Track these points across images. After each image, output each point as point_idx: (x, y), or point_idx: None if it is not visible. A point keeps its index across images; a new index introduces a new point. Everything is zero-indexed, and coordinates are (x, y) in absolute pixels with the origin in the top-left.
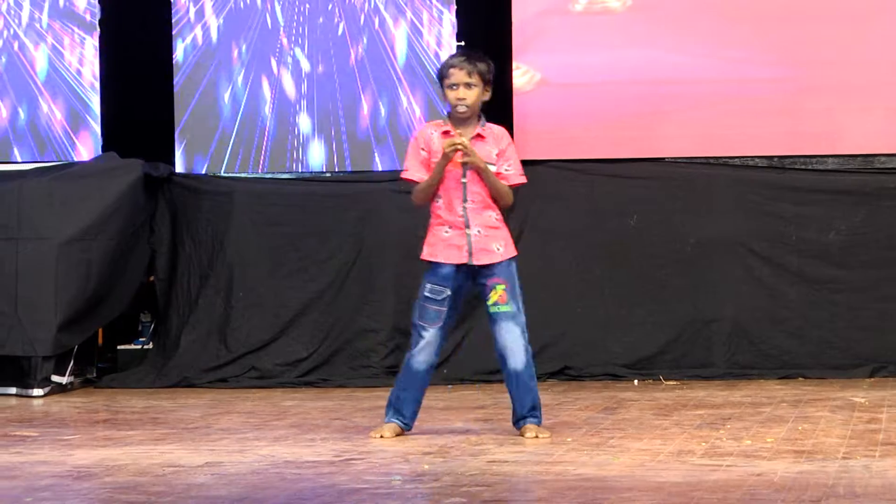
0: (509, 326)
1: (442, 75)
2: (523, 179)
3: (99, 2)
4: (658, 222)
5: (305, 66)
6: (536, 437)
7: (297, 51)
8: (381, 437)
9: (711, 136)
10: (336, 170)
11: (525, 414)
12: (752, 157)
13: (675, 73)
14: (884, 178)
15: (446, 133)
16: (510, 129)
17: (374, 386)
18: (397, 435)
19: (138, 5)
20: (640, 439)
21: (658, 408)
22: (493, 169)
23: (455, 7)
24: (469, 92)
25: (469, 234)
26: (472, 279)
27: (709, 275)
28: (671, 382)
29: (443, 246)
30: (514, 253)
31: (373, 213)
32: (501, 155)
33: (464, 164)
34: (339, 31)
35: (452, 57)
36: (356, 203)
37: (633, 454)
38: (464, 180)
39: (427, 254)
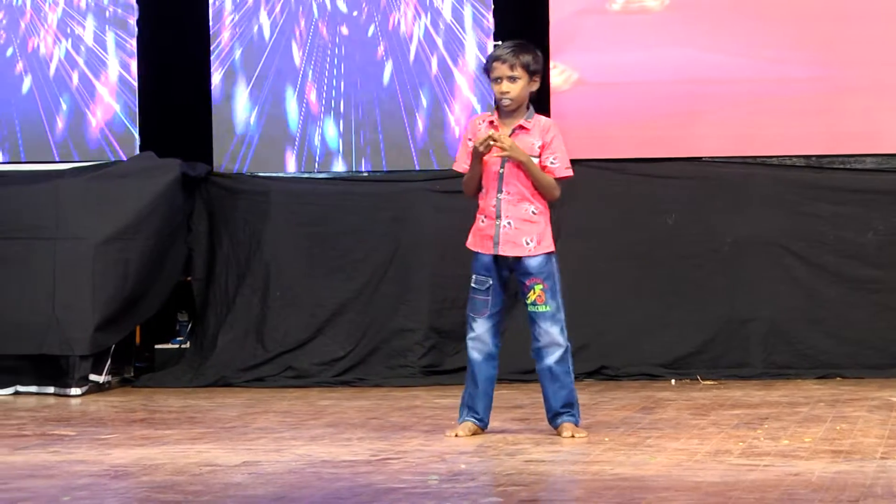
0: (547, 326)
1: (486, 69)
2: (569, 173)
3: (136, 1)
4: (695, 222)
5: (341, 67)
6: (573, 436)
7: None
8: (456, 435)
9: (748, 135)
10: (371, 169)
11: (559, 410)
12: (790, 157)
13: (711, 73)
14: None
15: (492, 124)
16: None
17: (410, 385)
18: (473, 433)
19: (176, 3)
20: (678, 439)
21: (695, 407)
22: (534, 161)
23: (493, 6)
24: (512, 85)
25: (498, 224)
26: (510, 272)
27: (745, 274)
28: (708, 382)
29: (479, 236)
30: (549, 249)
31: (409, 212)
32: (546, 147)
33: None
34: (370, 33)
35: (496, 49)
36: (392, 203)
37: (670, 454)
38: (501, 171)
39: (468, 242)
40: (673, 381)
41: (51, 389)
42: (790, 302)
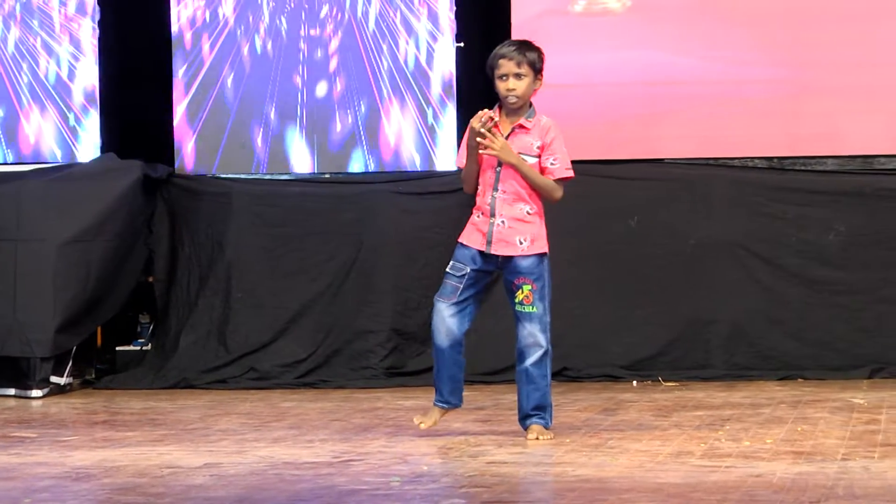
0: (532, 328)
1: (492, 66)
2: (569, 173)
3: (98, 3)
4: (657, 223)
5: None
6: (537, 438)
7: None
8: (421, 425)
9: (711, 137)
10: (332, 171)
11: (530, 412)
12: (752, 159)
13: (674, 75)
14: (884, 180)
15: (491, 119)
16: None
17: (372, 387)
18: (443, 415)
19: (137, 7)
20: (640, 440)
21: (657, 409)
22: (531, 161)
23: (455, 8)
24: (518, 82)
25: (493, 222)
26: (498, 270)
27: (708, 276)
28: (670, 383)
29: (471, 229)
30: (542, 249)
31: (372, 214)
32: (546, 148)
33: None
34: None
35: (503, 47)
36: (355, 204)
37: (632, 455)
38: (498, 169)
39: (461, 237)
40: (635, 382)
41: (11, 391)
42: (752, 303)
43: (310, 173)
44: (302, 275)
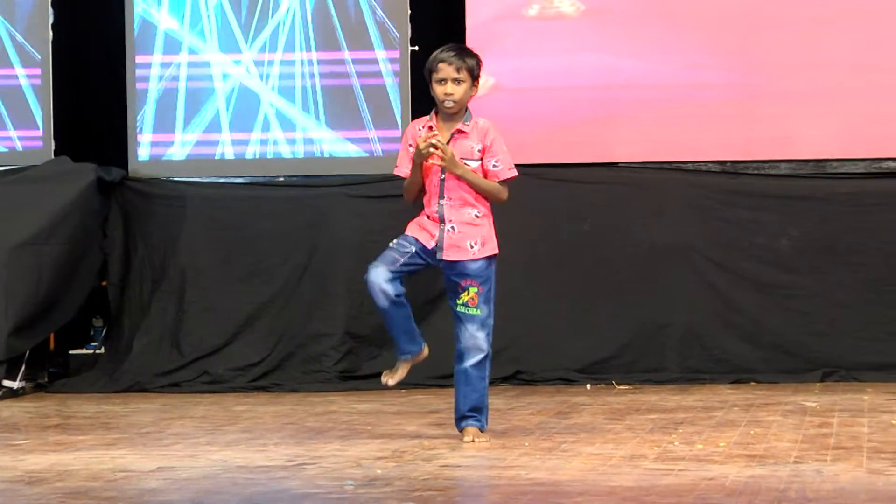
0: (474, 330)
1: (430, 69)
2: (513, 173)
3: (52, 5)
4: (611, 227)
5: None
6: (473, 440)
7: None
8: (387, 384)
9: (664, 141)
10: (286, 175)
11: (466, 413)
12: (705, 162)
13: (628, 79)
14: (836, 184)
15: (430, 129)
16: None
17: (326, 391)
18: (409, 365)
19: (91, 9)
20: (593, 444)
21: (610, 412)
22: (473, 165)
23: (409, 12)
24: (457, 87)
25: (443, 228)
26: (436, 266)
27: (661, 280)
28: (623, 387)
29: (420, 226)
30: (493, 251)
31: (325, 217)
32: (487, 150)
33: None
34: (286, 29)
35: (442, 51)
36: (309, 207)
37: (585, 459)
38: (442, 176)
39: (408, 228)
40: (588, 385)
41: None
42: (705, 307)
43: (263, 177)
44: (255, 278)
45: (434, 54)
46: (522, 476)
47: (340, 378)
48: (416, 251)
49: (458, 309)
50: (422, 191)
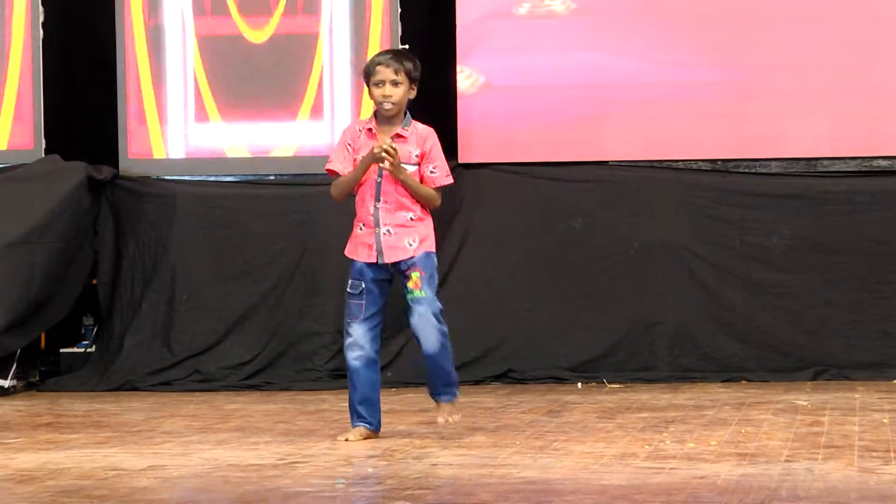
0: (422, 310)
1: (368, 72)
2: (449, 180)
3: (42, 4)
4: (602, 225)
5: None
6: (447, 420)
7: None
8: (347, 440)
9: (655, 139)
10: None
11: (438, 390)
12: (696, 161)
13: (618, 77)
14: (826, 182)
15: (370, 131)
16: (454, 132)
17: (317, 389)
18: (366, 438)
19: (80, 7)
20: (584, 442)
21: (601, 411)
22: (411, 169)
23: (399, 11)
24: (395, 90)
25: (378, 232)
26: (390, 275)
27: (652, 278)
28: (614, 385)
29: (356, 243)
30: (431, 248)
31: (316, 216)
32: (426, 157)
33: (380, 165)
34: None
35: (379, 55)
36: (299, 206)
37: (576, 457)
38: (378, 180)
39: (347, 250)
40: (579, 384)
41: None
42: (696, 305)
43: (254, 175)
44: (246, 277)
45: (371, 58)
46: (514, 474)
47: (332, 376)
48: (367, 281)
49: (408, 297)
50: (351, 193)
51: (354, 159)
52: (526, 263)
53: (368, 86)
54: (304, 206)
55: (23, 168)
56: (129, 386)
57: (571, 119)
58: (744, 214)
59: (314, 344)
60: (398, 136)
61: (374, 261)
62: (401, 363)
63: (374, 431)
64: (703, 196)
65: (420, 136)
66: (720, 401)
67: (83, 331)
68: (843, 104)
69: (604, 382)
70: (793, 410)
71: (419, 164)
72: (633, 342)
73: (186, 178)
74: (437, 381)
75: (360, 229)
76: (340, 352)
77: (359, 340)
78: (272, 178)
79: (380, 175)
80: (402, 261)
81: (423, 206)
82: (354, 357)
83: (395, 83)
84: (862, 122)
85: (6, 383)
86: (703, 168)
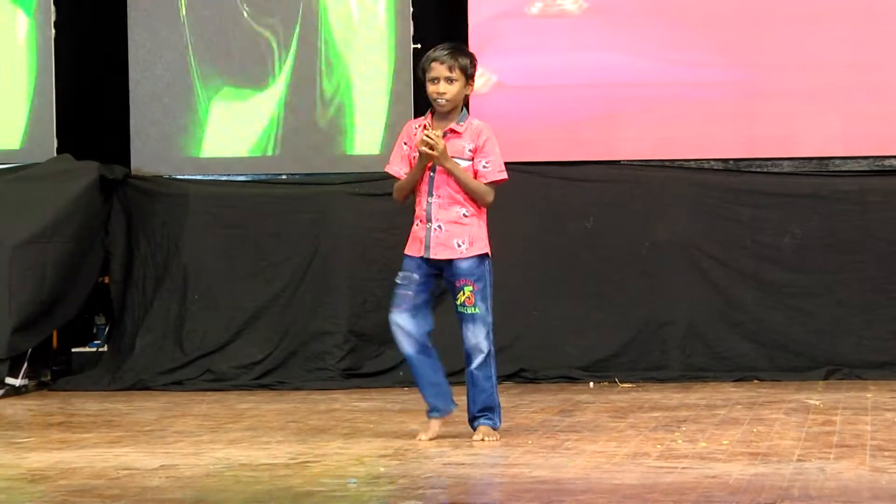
0: (476, 328)
1: (424, 68)
2: (503, 176)
3: (54, 3)
4: (613, 225)
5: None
6: (483, 439)
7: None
8: (421, 439)
9: (667, 139)
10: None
11: (476, 414)
12: (708, 160)
13: (630, 77)
14: (838, 181)
15: (426, 128)
16: None
17: (329, 388)
18: (441, 424)
19: (94, 5)
20: (596, 441)
21: (613, 410)
22: (464, 164)
23: (411, 10)
24: (450, 86)
25: (429, 227)
26: (440, 274)
27: (664, 277)
28: (626, 385)
29: (412, 239)
30: (483, 251)
31: (328, 215)
32: (479, 151)
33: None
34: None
35: (435, 50)
36: (311, 205)
37: (588, 456)
38: (431, 175)
39: (405, 249)
40: (591, 383)
41: None
42: (708, 305)
43: (266, 174)
44: (258, 276)
45: (427, 53)
46: (526, 474)
47: (343, 376)
48: (419, 275)
49: (458, 310)
50: (411, 193)
51: (412, 158)
52: (538, 263)
53: (424, 81)
54: (316, 205)
55: (35, 167)
56: (141, 385)
57: (583, 118)
58: (755, 214)
59: (326, 343)
60: (452, 131)
61: (422, 255)
62: None
63: (445, 415)
64: (714, 195)
65: (475, 131)
66: (732, 400)
67: (95, 330)
68: (854, 103)
69: (616, 382)
70: (804, 410)
71: (472, 159)
72: (644, 342)
73: (198, 177)
74: (475, 402)
75: (417, 225)
76: (353, 351)
77: (405, 330)
78: (284, 177)
79: (433, 170)
80: (452, 263)
81: (475, 204)
82: (407, 349)
83: (449, 80)
84: (873, 121)
85: (18, 382)
86: (714, 167)
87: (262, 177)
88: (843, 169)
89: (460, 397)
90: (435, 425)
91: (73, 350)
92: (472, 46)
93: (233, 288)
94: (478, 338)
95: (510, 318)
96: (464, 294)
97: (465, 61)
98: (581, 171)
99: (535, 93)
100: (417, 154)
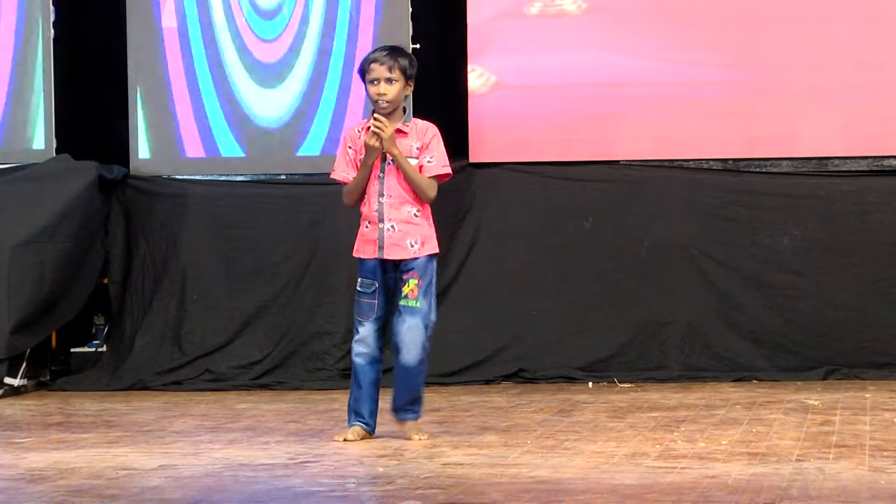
0: (414, 322)
1: (363, 70)
2: (446, 170)
3: (53, 3)
4: (612, 225)
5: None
6: (419, 439)
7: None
8: (345, 440)
9: (666, 138)
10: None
11: (402, 405)
12: (707, 160)
13: (630, 76)
14: (838, 182)
15: (368, 130)
16: (465, 131)
17: (329, 388)
18: (362, 438)
19: (92, 4)
20: (595, 442)
21: (612, 410)
22: (413, 163)
23: (411, 10)
24: (390, 87)
25: (382, 227)
26: (393, 273)
27: (663, 277)
28: (625, 385)
29: (363, 241)
30: (434, 251)
31: (327, 215)
32: (425, 148)
33: (382, 160)
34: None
35: (374, 52)
36: (310, 205)
37: (587, 456)
38: (381, 175)
39: (354, 250)
40: (590, 383)
41: None
42: (707, 305)
43: (265, 175)
44: (257, 276)
45: (366, 55)
46: (524, 474)
47: (343, 376)
48: (378, 280)
49: (400, 302)
50: (362, 195)
51: (357, 162)
52: (536, 263)
53: (364, 83)
54: (315, 205)
55: (34, 167)
56: (140, 385)
57: (582, 118)
58: (754, 214)
59: (325, 343)
60: (399, 131)
61: (377, 256)
62: None
63: (369, 433)
64: (713, 196)
65: (420, 131)
66: (731, 400)
67: (94, 330)
68: (853, 103)
69: (615, 382)
70: (804, 410)
71: (419, 157)
72: (643, 342)
73: (198, 177)
74: (404, 395)
75: (366, 227)
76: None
77: (367, 339)
78: (283, 177)
79: (382, 170)
80: (403, 261)
81: (421, 203)
82: (361, 357)
83: (389, 80)
84: (873, 121)
85: (16, 382)
86: (713, 167)
87: (262, 177)
88: (843, 169)
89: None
90: (359, 432)
91: (72, 350)
92: (471, 46)
93: (232, 288)
94: (415, 334)
95: (509, 318)
96: (408, 286)
97: (404, 62)
98: (580, 170)
99: (534, 92)
100: (364, 154)
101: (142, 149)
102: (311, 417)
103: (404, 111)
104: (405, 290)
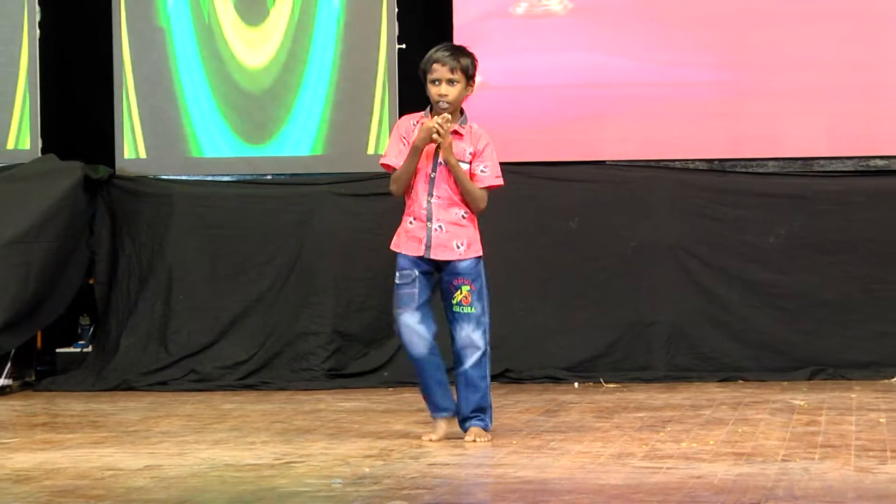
0: (470, 329)
1: (425, 70)
2: (499, 182)
3: (39, 3)
4: (598, 225)
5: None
6: (475, 440)
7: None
8: (431, 440)
9: (652, 139)
10: (274, 172)
11: (468, 415)
12: (693, 161)
13: (615, 77)
14: (823, 182)
15: (432, 118)
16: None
17: (314, 389)
18: (449, 424)
19: (78, 5)
20: (581, 442)
21: (598, 410)
22: (464, 167)
23: (397, 10)
24: (451, 88)
25: (430, 227)
26: (436, 272)
27: (649, 278)
28: (611, 385)
29: (405, 237)
30: (478, 253)
31: (312, 215)
32: (478, 155)
33: (434, 159)
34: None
35: (436, 51)
36: (296, 206)
37: (573, 457)
38: (432, 175)
39: (393, 244)
40: (576, 383)
41: None
42: (693, 305)
43: (250, 175)
44: (243, 276)
45: (429, 54)
46: (510, 474)
47: (328, 376)
48: (418, 272)
49: (453, 309)
50: (408, 189)
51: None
52: (522, 263)
53: (425, 83)
54: (300, 205)
55: (19, 168)
56: (126, 386)
57: (568, 119)
58: (740, 214)
59: (311, 343)
60: (455, 132)
61: (422, 254)
62: (396, 363)
63: (454, 415)
64: (699, 196)
65: (475, 136)
66: (717, 400)
67: (79, 331)
68: (839, 104)
69: (601, 382)
70: (789, 410)
71: (471, 163)
72: (629, 342)
73: (183, 177)
74: (468, 403)
75: (411, 223)
76: (337, 352)
77: (415, 328)
78: (269, 177)
79: (433, 169)
80: (450, 265)
81: (469, 207)
82: (416, 347)
83: (451, 81)
84: (858, 121)
85: (1, 382)
86: (699, 168)
87: (248, 177)
88: (828, 169)
89: (454, 398)
90: (443, 425)
91: (58, 350)
92: None
93: (217, 288)
94: (474, 337)
95: (495, 318)
96: (461, 293)
97: (466, 62)
98: (566, 171)
99: (521, 93)
100: (413, 140)
101: (127, 149)
102: (297, 418)
103: (461, 112)
104: (458, 296)
